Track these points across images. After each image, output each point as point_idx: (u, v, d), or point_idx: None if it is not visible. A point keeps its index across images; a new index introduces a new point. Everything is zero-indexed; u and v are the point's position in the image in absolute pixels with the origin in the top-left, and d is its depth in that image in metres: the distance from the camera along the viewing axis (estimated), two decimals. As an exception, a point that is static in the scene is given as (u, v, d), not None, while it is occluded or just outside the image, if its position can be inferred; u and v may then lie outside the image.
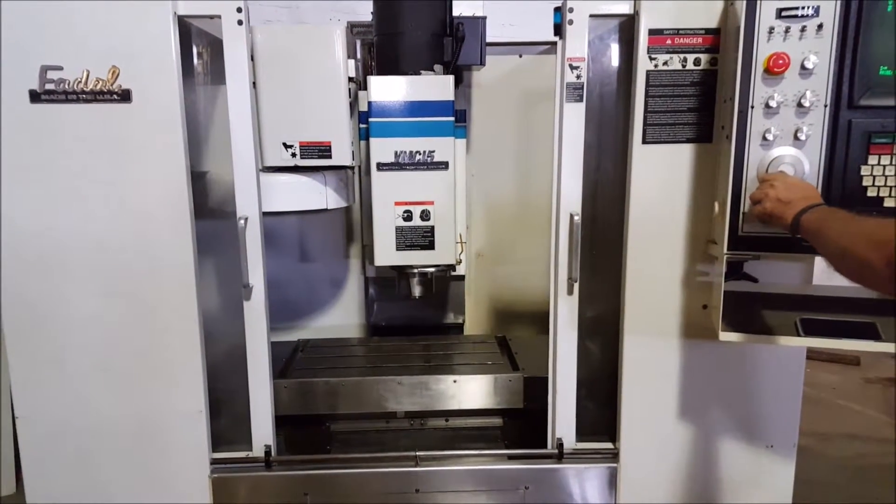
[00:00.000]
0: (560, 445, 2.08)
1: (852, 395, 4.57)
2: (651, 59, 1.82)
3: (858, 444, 3.86)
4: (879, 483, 3.38)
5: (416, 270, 2.25)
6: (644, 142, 1.87)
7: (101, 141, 1.83)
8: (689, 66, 1.82)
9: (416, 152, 2.07)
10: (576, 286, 1.98)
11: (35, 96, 1.79)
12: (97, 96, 1.79)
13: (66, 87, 1.78)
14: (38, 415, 1.98)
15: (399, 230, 2.11)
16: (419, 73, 2.10)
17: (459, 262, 2.25)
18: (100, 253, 1.89)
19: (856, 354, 4.93)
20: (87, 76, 1.78)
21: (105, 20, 1.77)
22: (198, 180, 2.00)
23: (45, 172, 1.84)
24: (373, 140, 2.05)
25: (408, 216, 2.11)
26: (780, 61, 1.59)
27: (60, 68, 1.78)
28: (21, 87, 1.78)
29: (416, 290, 2.30)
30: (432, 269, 2.24)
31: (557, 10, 1.88)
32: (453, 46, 2.15)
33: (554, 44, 1.93)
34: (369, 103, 2.04)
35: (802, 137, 1.62)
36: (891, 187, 1.60)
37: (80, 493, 2.02)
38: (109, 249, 1.89)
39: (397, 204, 2.10)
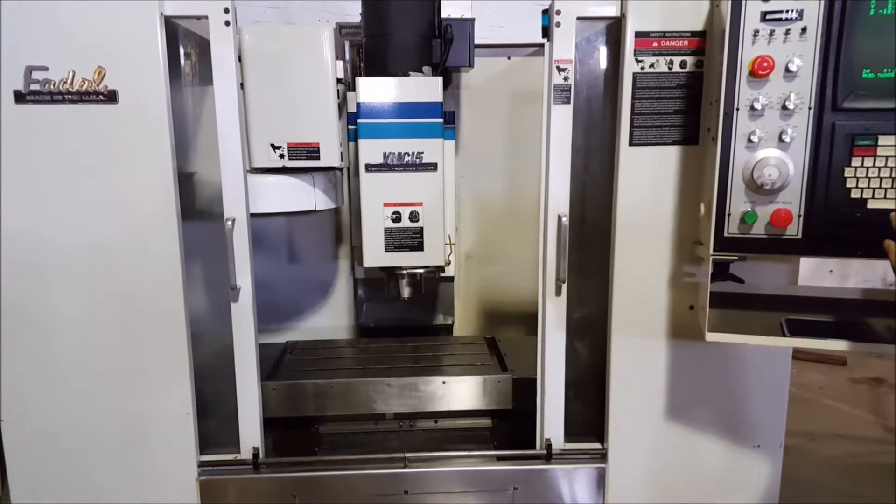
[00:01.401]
0: (549, 446, 2.08)
1: (839, 394, 4.61)
2: (638, 61, 1.83)
3: (845, 443, 3.89)
4: (867, 482, 3.41)
5: (405, 272, 2.25)
6: (631, 143, 1.88)
7: (86, 142, 1.82)
8: (676, 68, 1.84)
9: (405, 153, 2.07)
10: (564, 287, 1.99)
11: (20, 97, 1.78)
12: (83, 97, 1.78)
13: (52, 87, 1.77)
14: (23, 417, 1.96)
15: (388, 231, 2.11)
16: (408, 75, 2.10)
17: (448, 263, 2.26)
18: (86, 254, 1.88)
19: (842, 354, 4.98)
20: (73, 76, 1.77)
21: (91, 20, 1.76)
22: (185, 181, 1.99)
23: (29, 174, 1.83)
24: (361, 141, 2.05)
25: (397, 217, 2.11)
26: (765, 64, 1.60)
27: (46, 69, 1.77)
28: (6, 88, 1.77)
29: (405, 292, 2.31)
30: (421, 271, 2.24)
31: (545, 12, 1.89)
32: (442, 48, 2.15)
33: (542, 46, 1.93)
34: (358, 104, 2.04)
35: (787, 139, 1.63)
36: (874, 189, 1.61)
37: (65, 496, 2.01)
38: (95, 251, 1.88)
39: (386, 205, 2.10)
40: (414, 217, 2.11)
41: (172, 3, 1.80)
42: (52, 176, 1.83)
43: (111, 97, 1.79)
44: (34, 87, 1.77)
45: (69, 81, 1.77)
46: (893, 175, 1.60)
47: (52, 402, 1.95)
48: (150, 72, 1.79)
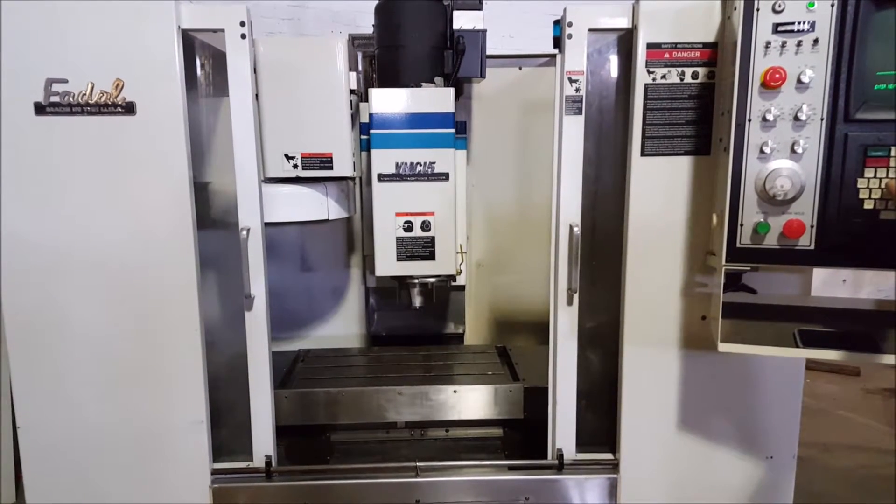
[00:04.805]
0: (560, 456, 2.08)
1: (853, 405, 4.56)
2: (649, 72, 1.84)
3: (859, 454, 3.86)
4: (880, 494, 3.37)
5: (416, 280, 2.26)
6: (643, 154, 1.89)
7: (104, 153, 1.85)
8: (687, 79, 1.84)
9: (417, 163, 2.08)
10: (575, 297, 1.99)
11: (40, 108, 1.81)
12: (101, 109, 1.81)
13: (71, 99, 1.80)
14: (39, 425, 1.98)
15: (400, 241, 2.13)
16: (420, 86, 2.12)
17: (460, 272, 2.27)
18: (102, 264, 1.90)
19: (855, 365, 4.93)
20: (92, 89, 1.80)
21: (110, 34, 1.79)
22: (200, 191, 2.01)
23: (48, 184, 1.85)
24: (374, 151, 2.07)
25: (408, 227, 2.12)
26: (777, 75, 1.61)
27: (65, 81, 1.80)
28: (26, 100, 1.80)
29: (417, 301, 2.32)
30: (433, 280, 2.25)
31: (557, 23, 1.91)
32: (454, 59, 2.17)
33: (554, 56, 1.95)
34: (370, 115, 2.06)
35: (799, 150, 1.63)
36: (887, 200, 1.61)
37: (80, 502, 2.02)
38: (112, 260, 1.90)
39: (398, 215, 2.11)
40: (425, 226, 2.13)
41: (189, 17, 1.83)
42: (70, 186, 1.86)
43: (129, 109, 1.82)
44: (54, 98, 1.80)
45: (88, 93, 1.80)
46: (907, 186, 1.60)
47: (67, 410, 1.97)
48: (168, 84, 1.82)
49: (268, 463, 2.06)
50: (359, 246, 2.78)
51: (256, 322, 2.00)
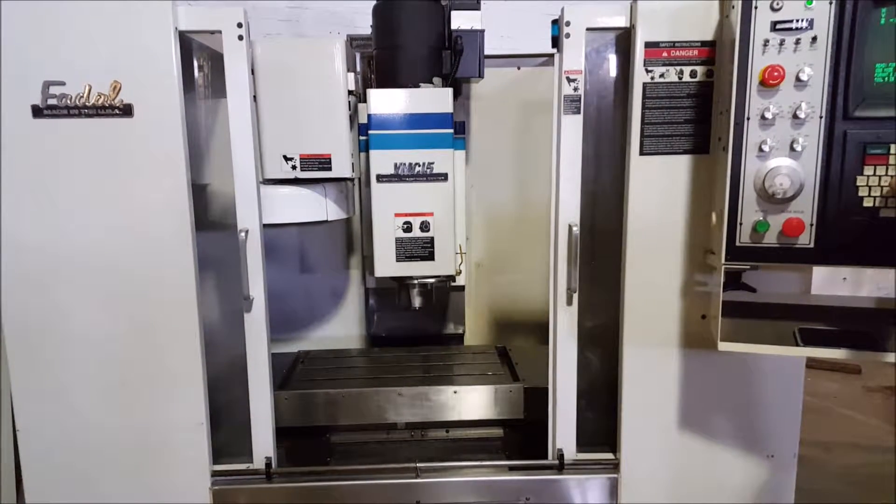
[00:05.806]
0: (561, 456, 2.08)
1: (853, 403, 4.56)
2: (647, 71, 1.84)
3: (860, 453, 3.85)
4: (881, 492, 3.37)
5: (416, 281, 2.26)
6: (641, 153, 1.88)
7: (102, 155, 1.84)
8: (686, 78, 1.84)
9: (416, 164, 2.08)
10: (575, 297, 1.99)
11: (37, 111, 1.81)
12: (99, 111, 1.81)
13: (69, 102, 1.80)
14: (39, 427, 1.98)
15: (399, 241, 2.12)
16: (418, 86, 2.12)
17: (459, 272, 2.26)
18: (101, 266, 1.90)
19: (856, 363, 4.93)
20: (89, 91, 1.80)
21: (107, 35, 1.79)
22: (199, 193, 2.01)
23: (46, 187, 1.85)
24: (372, 152, 2.07)
25: (408, 227, 2.12)
26: (776, 73, 1.60)
27: (63, 83, 1.79)
28: (23, 102, 1.80)
29: (416, 301, 2.32)
30: (432, 280, 2.25)
31: (555, 22, 1.91)
32: (452, 59, 2.17)
33: (552, 56, 1.94)
34: (369, 116, 2.06)
35: (798, 148, 1.63)
36: (886, 198, 1.60)
37: (80, 505, 2.02)
38: (110, 262, 1.90)
39: (397, 215, 2.11)
40: (425, 227, 2.12)
41: (187, 18, 1.83)
42: (68, 189, 1.86)
43: (127, 111, 1.82)
44: (51, 101, 1.80)
45: (85, 96, 1.80)
46: (906, 183, 1.60)
47: (67, 413, 1.97)
48: (165, 86, 1.82)
49: (268, 464, 2.06)
50: (358, 247, 2.78)
51: (256, 324, 1.99)
